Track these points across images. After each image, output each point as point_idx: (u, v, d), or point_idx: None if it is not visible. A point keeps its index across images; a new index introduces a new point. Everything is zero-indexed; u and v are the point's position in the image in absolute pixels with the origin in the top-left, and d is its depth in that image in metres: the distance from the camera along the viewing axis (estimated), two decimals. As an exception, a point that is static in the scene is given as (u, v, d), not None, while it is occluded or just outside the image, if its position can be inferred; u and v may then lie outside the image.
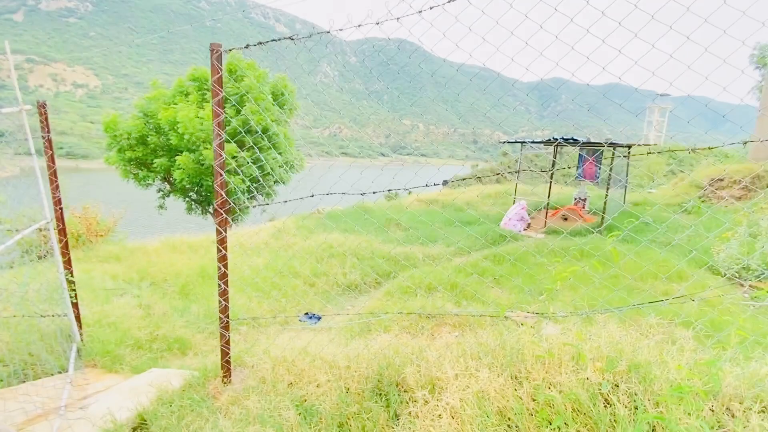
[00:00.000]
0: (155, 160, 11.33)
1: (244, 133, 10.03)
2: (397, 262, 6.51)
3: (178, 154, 10.88)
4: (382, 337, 2.99)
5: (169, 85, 12.82)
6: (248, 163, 10.90)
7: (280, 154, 12.73)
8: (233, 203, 11.81)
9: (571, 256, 5.87)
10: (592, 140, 9.45)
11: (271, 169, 12.12)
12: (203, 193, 12.05)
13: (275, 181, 12.93)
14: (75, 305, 3.49)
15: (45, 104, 3.30)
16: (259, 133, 11.38)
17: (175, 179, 11.05)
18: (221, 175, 2.56)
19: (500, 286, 5.46)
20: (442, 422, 1.81)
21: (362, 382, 2.35)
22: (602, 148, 10.29)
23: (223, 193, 2.62)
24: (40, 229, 3.26)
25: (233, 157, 10.58)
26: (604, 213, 9.67)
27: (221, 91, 2.43)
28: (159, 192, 12.61)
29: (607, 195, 9.61)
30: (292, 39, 2.60)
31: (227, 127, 11.05)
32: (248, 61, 12.43)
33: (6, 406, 2.41)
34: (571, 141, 8.90)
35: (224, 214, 2.67)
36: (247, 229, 10.26)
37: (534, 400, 1.82)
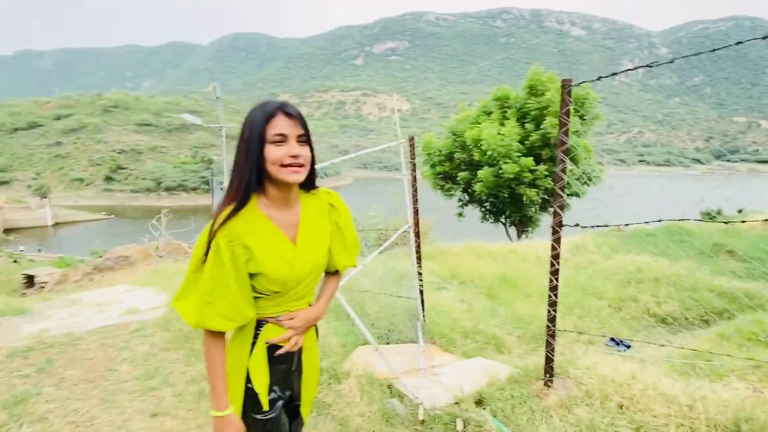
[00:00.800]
0: (459, 174, 12.90)
1: (543, 146, 10.20)
2: (733, 300, 5.33)
3: (478, 169, 12.04)
4: (734, 384, 2.61)
5: (464, 102, 14.38)
6: (545, 176, 11.03)
7: (576, 165, 12.32)
8: (527, 215, 12.09)
9: None
10: None
11: (567, 182, 11.86)
12: (497, 204, 12.91)
13: (570, 194, 12.58)
14: (421, 292, 4.43)
15: (413, 138, 4.33)
16: (555, 145, 11.34)
17: (475, 191, 12.27)
18: (561, 197, 2.81)
19: None
20: None
21: (712, 427, 2.16)
22: None
23: (560, 212, 2.87)
24: (405, 232, 4.30)
25: (531, 171, 10.93)
26: None
27: (568, 122, 2.68)
28: (459, 202, 14.27)
29: None
30: (632, 69, 2.60)
31: (525, 142, 11.51)
32: (548, 74, 12.54)
33: (391, 357, 3.36)
34: None
35: (559, 232, 2.92)
36: (542, 242, 10.41)
37: None
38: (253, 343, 1.25)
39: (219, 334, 1.20)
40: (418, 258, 4.49)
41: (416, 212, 4.50)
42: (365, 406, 2.77)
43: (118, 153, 79.69)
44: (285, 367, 1.31)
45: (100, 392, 3.23)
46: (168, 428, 2.75)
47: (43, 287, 14.36)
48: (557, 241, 2.95)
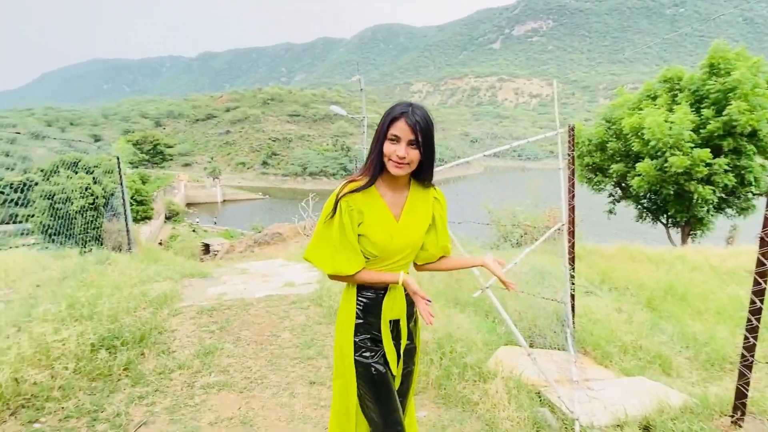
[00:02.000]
0: (612, 166, 11.56)
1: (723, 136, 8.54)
2: None
3: (637, 161, 10.63)
4: None
5: (612, 86, 12.64)
6: (725, 171, 9.26)
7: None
8: (696, 216, 10.33)
9: None
10: None
11: (755, 179, 9.80)
12: (659, 202, 11.28)
13: (756, 194, 10.41)
14: (572, 297, 4.08)
15: (573, 128, 3.96)
16: (743, 135, 9.41)
17: (631, 186, 10.88)
18: (779, 201, 2.28)
19: None
20: None
21: None
22: None
23: (776, 222, 2.34)
24: (558, 230, 3.99)
25: (707, 165, 9.27)
26: None
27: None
28: (610, 197, 12.83)
29: None
30: None
31: (701, 130, 9.78)
32: (736, 50, 10.42)
33: (541, 364, 3.17)
34: None
35: (773, 245, 2.38)
36: (716, 249, 8.83)
37: None
38: (357, 304, 1.56)
39: (349, 277, 1.50)
40: (571, 260, 4.14)
41: (572, 209, 4.14)
42: (513, 411, 2.65)
43: (273, 141, 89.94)
44: (378, 324, 1.55)
45: (267, 354, 3.68)
46: (325, 396, 3.00)
47: (215, 255, 17.00)
48: (766, 254, 2.42)
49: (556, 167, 4.15)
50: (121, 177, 7.72)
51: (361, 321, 1.55)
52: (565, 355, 3.64)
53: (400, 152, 1.40)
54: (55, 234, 7.19)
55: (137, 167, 49.18)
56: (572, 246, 4.12)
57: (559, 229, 4.09)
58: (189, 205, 54.69)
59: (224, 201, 62.08)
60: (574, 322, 4.13)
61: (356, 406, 1.55)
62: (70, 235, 7.30)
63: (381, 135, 1.43)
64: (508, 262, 3.24)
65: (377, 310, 1.54)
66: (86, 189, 7.55)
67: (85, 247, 7.04)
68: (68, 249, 6.57)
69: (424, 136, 1.41)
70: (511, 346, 3.75)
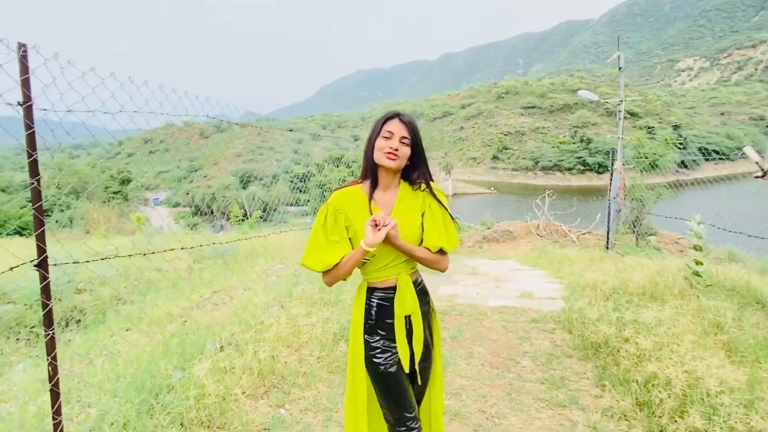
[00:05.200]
0: None
1: None
2: None
3: None
4: None
5: None
6: None
7: None
8: None
9: None
10: None
11: None
12: None
13: None
14: None
15: None
16: None
17: None
18: None
19: None
20: None
21: None
22: None
23: None
24: None
25: None
26: None
27: None
28: None
29: None
30: None
31: None
32: None
33: None
34: None
35: None
36: None
37: None
38: (367, 305, 1.60)
39: (336, 272, 1.55)
40: None
41: None
42: None
43: (505, 135, 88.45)
44: (390, 323, 1.58)
45: (505, 384, 3.07)
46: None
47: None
48: None
49: None
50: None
51: (372, 322, 1.58)
52: None
53: (394, 144, 1.51)
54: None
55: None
56: None
57: None
58: (424, 196, 58.91)
59: (454, 194, 64.57)
60: None
61: (366, 404, 1.59)
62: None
63: (374, 135, 1.54)
64: None
65: (390, 309, 1.57)
66: (343, 180, 8.52)
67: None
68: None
69: (415, 136, 1.55)
70: None
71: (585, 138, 74.21)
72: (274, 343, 3.22)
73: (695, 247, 4.21)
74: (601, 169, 62.62)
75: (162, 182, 71.50)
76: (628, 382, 2.80)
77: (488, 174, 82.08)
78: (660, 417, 2.44)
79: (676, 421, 2.38)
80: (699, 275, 4.07)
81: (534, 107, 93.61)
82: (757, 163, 2.17)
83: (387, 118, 1.55)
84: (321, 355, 3.30)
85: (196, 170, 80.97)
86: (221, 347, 3.12)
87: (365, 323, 1.59)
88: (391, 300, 1.58)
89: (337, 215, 1.55)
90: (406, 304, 1.58)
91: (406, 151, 1.54)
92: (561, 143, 77.31)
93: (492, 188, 67.13)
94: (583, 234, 12.57)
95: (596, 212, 13.26)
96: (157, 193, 63.60)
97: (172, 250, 3.39)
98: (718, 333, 3.34)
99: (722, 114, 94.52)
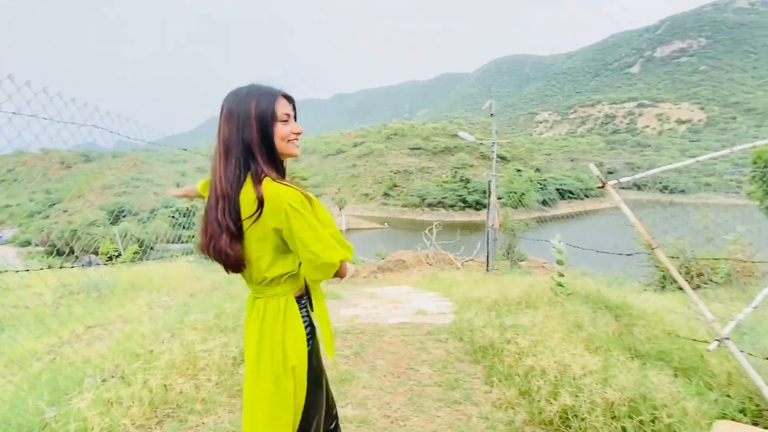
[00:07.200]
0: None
1: None
2: None
3: None
4: None
5: None
6: None
7: None
8: None
9: None
10: None
11: None
12: None
13: None
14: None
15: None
16: None
17: None
18: None
19: None
20: None
21: None
22: None
23: None
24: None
25: None
26: None
27: None
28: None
29: None
30: None
31: None
32: None
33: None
34: None
35: None
36: None
37: None
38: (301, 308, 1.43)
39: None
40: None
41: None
42: None
43: (394, 173, 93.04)
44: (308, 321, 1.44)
45: (406, 390, 3.23)
46: (481, 456, 2.42)
47: (339, 279, 17.50)
48: None
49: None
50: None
51: (307, 324, 1.43)
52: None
53: (296, 128, 1.32)
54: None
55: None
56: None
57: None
58: (317, 232, 58.55)
59: (348, 229, 65.33)
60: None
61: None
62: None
63: (266, 121, 1.24)
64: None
65: (309, 306, 1.48)
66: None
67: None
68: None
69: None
70: (732, 422, 2.75)
71: (464, 178, 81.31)
72: (167, 371, 2.99)
73: (558, 262, 4.93)
74: (478, 206, 68.83)
75: (8, 217, 60.66)
76: (512, 376, 3.16)
77: (380, 210, 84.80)
78: (539, 401, 2.80)
79: (551, 402, 2.74)
80: (562, 285, 4.76)
81: (419, 149, 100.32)
82: (597, 176, 2.72)
83: (273, 99, 1.26)
84: (220, 380, 3.14)
85: (53, 204, 70.33)
86: (103, 380, 2.80)
87: (305, 332, 1.40)
88: (309, 295, 1.51)
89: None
90: (315, 296, 1.52)
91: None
92: (444, 182, 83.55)
93: (385, 223, 69.37)
94: (467, 261, 13.70)
95: (477, 242, 14.60)
96: (1, 230, 53.81)
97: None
98: (579, 330, 3.94)
99: (572, 160, 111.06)
